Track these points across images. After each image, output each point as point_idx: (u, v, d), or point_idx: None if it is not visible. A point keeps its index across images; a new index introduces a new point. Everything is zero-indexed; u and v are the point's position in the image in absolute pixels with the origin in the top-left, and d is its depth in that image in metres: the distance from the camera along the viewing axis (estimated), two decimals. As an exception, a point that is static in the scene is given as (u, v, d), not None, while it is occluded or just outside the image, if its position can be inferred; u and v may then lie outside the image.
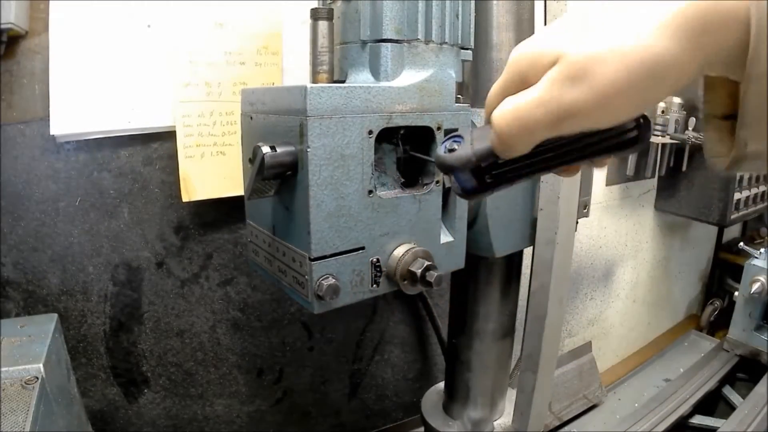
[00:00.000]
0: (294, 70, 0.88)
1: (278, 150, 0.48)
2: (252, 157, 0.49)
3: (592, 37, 0.26)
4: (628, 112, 0.27)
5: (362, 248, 0.54)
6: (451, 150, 0.32)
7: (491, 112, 0.30)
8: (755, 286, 1.56)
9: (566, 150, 0.31)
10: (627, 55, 0.25)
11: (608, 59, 0.25)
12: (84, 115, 0.75)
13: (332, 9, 0.59)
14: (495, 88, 0.32)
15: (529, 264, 0.75)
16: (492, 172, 0.32)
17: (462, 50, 0.62)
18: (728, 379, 1.65)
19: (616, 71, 0.25)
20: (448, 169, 0.32)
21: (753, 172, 1.61)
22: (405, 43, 0.56)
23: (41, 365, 0.57)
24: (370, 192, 0.53)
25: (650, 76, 0.25)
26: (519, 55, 0.29)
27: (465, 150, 0.31)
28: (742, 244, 1.73)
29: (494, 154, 0.31)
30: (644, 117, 0.30)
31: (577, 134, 0.29)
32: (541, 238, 0.71)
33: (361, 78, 0.57)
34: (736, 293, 1.68)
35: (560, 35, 0.28)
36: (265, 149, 0.48)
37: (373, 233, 0.54)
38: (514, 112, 0.28)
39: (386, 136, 0.56)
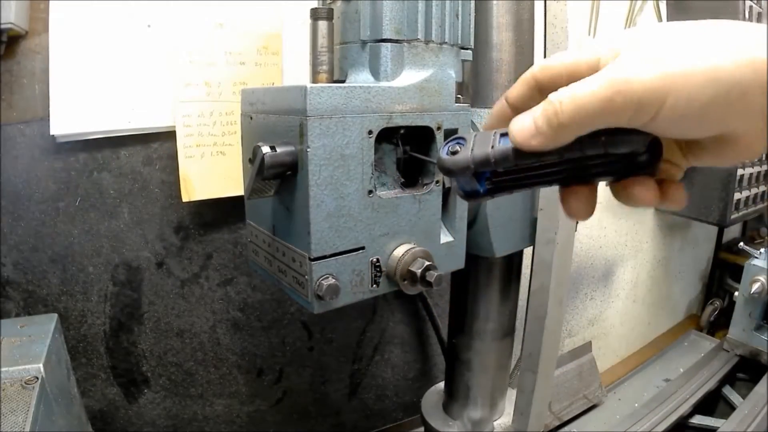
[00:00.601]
0: (294, 70, 0.88)
1: (278, 150, 0.48)
2: (252, 157, 0.49)
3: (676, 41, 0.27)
4: (678, 110, 0.26)
5: (362, 248, 0.54)
6: (453, 152, 0.31)
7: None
8: (755, 286, 1.56)
9: (571, 167, 0.31)
10: (710, 68, 0.25)
11: (684, 55, 0.25)
12: (84, 115, 0.75)
13: (332, 9, 0.59)
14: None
15: (529, 264, 0.75)
16: (492, 179, 0.32)
17: (462, 50, 0.62)
18: (728, 379, 1.65)
19: (690, 62, 0.25)
20: (447, 172, 0.32)
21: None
22: (405, 43, 0.56)
23: (41, 365, 0.57)
24: (370, 192, 0.53)
25: (719, 86, 0.24)
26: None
27: (464, 155, 0.31)
28: (742, 244, 1.73)
29: (491, 162, 0.30)
30: (656, 140, 0.29)
31: (585, 154, 0.29)
32: (541, 238, 0.71)
33: (361, 78, 0.57)
34: (736, 293, 1.68)
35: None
36: (265, 149, 0.47)
37: (373, 233, 0.54)
38: (570, 93, 0.27)
39: (386, 136, 0.56)
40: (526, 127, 0.29)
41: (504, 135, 0.31)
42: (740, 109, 0.25)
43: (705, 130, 0.27)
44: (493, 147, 0.30)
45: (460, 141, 0.32)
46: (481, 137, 0.31)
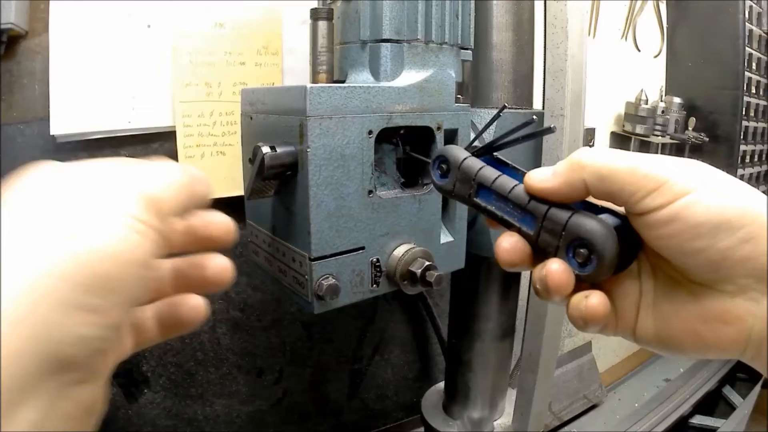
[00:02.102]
0: (294, 70, 0.88)
1: (278, 150, 0.48)
2: (252, 157, 0.49)
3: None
4: (697, 209, 0.26)
5: (362, 248, 0.54)
6: (443, 175, 0.35)
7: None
8: (755, 286, 1.56)
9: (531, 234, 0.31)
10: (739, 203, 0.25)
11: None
12: (84, 115, 0.75)
13: (332, 9, 0.59)
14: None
15: (529, 264, 0.75)
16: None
17: (462, 50, 0.62)
18: (728, 379, 1.65)
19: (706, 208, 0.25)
20: (438, 190, 0.36)
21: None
22: (405, 43, 0.56)
23: (41, 365, 0.57)
24: (370, 192, 0.53)
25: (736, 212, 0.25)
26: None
27: (448, 186, 0.35)
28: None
29: (466, 198, 0.33)
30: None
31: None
32: (541, 238, 0.71)
33: (361, 78, 0.57)
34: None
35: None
36: (265, 149, 0.48)
37: (373, 233, 0.54)
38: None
39: (386, 136, 0.56)
40: (543, 174, 0.30)
41: (482, 187, 0.33)
42: (743, 254, 0.25)
43: (704, 254, 0.25)
44: (469, 196, 0.33)
45: (444, 162, 0.35)
46: (464, 171, 0.33)
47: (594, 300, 0.28)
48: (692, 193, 0.25)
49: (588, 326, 0.29)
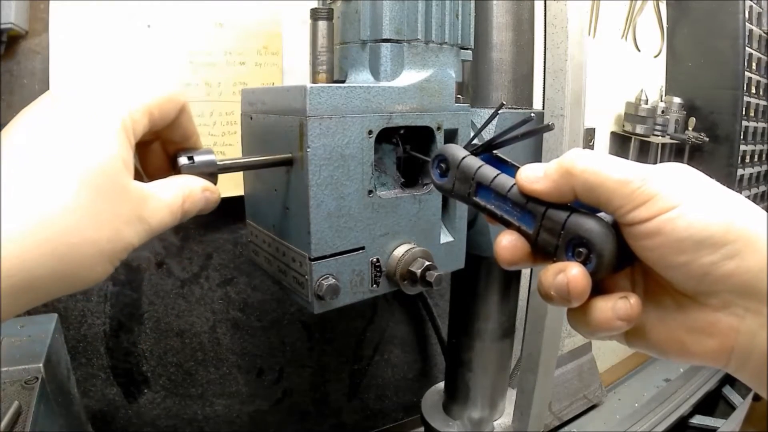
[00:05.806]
0: (294, 70, 0.88)
1: (196, 160, 0.41)
2: (173, 166, 0.41)
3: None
4: (681, 224, 0.26)
5: (362, 248, 0.54)
6: (442, 174, 0.36)
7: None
8: (755, 286, 1.56)
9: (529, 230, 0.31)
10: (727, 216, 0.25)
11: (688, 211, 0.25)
12: (84, 115, 0.75)
13: (332, 9, 0.59)
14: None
15: (529, 264, 0.75)
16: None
17: (462, 50, 0.62)
18: (728, 379, 1.65)
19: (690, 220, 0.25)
20: (437, 189, 0.37)
21: None
22: (405, 43, 0.56)
23: (41, 365, 0.57)
24: (370, 192, 0.53)
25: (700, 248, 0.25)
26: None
27: (448, 185, 0.35)
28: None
29: (465, 197, 0.34)
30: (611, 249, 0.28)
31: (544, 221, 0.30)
32: (541, 238, 0.71)
33: (361, 78, 0.57)
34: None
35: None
36: (182, 160, 0.41)
37: (373, 233, 0.54)
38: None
39: (386, 136, 0.56)
40: (534, 174, 0.30)
41: (480, 186, 0.33)
42: (728, 269, 0.25)
43: (686, 269, 0.26)
44: (468, 195, 0.34)
45: (444, 161, 0.35)
46: (463, 170, 0.34)
47: (633, 300, 0.28)
48: (677, 208, 0.25)
49: (623, 327, 0.28)
